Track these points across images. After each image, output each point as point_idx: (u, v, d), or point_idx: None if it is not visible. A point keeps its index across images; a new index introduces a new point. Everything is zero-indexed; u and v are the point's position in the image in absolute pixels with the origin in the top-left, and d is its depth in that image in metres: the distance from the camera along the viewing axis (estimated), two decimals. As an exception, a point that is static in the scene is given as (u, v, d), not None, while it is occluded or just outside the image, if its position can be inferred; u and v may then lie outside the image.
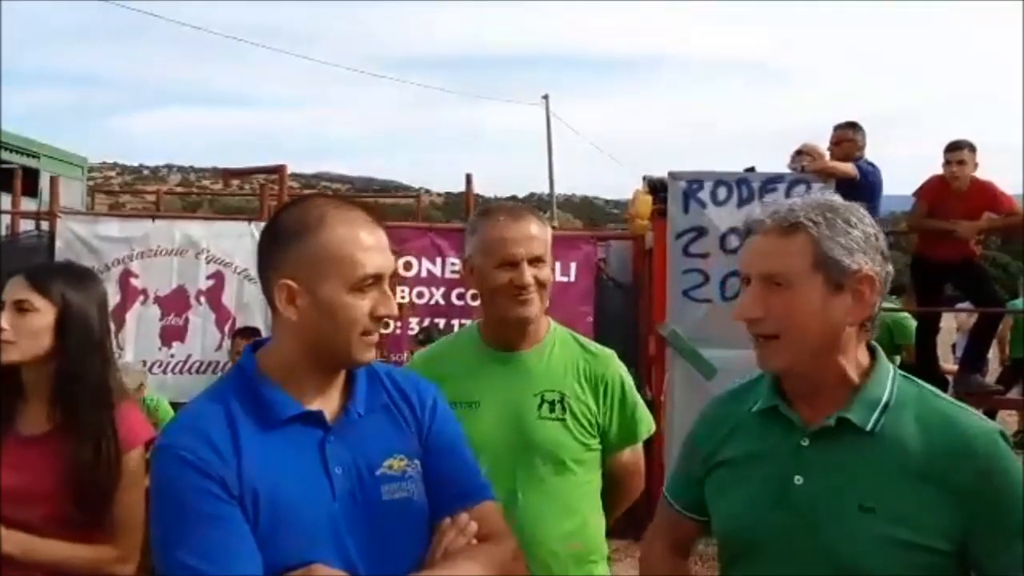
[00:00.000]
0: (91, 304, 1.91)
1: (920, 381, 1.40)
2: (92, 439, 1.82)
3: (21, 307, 1.84)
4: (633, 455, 2.13)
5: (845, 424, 1.32)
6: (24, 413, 1.87)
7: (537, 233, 1.96)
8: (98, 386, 1.87)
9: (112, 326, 6.64)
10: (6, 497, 1.77)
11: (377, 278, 1.33)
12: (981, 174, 5.71)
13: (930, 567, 1.27)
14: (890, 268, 1.35)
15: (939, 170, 5.72)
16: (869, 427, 1.32)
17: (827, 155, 5.85)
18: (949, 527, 1.27)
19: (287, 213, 1.37)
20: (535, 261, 1.94)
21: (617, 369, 2.06)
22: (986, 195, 5.63)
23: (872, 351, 1.40)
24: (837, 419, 1.33)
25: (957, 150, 5.59)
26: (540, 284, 1.94)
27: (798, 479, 1.34)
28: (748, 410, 1.44)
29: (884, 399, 1.33)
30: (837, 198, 1.38)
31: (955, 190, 5.62)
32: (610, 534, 2.11)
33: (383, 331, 1.41)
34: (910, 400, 1.34)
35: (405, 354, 5.69)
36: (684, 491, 1.56)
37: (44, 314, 1.84)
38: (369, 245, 1.33)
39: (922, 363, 5.88)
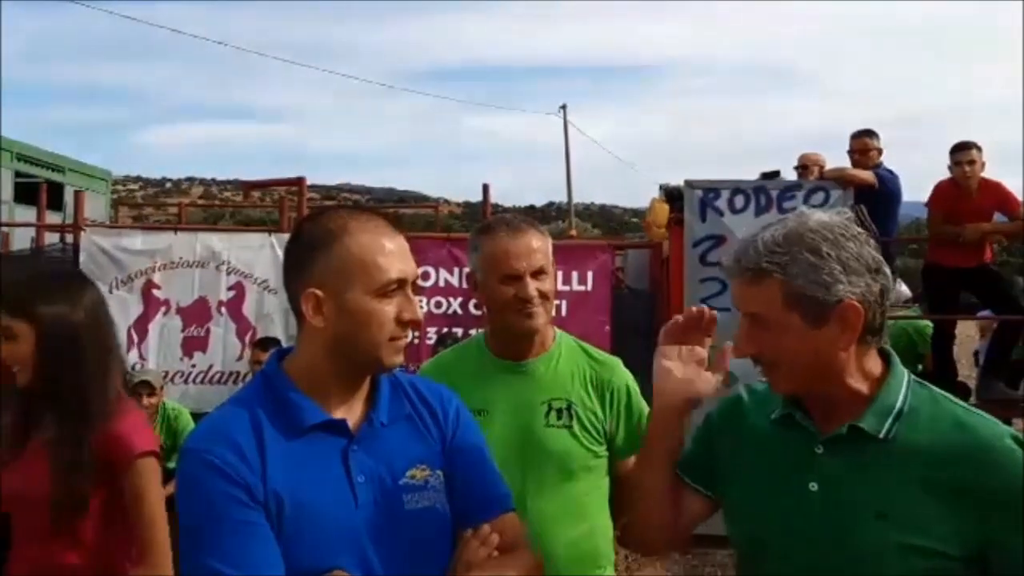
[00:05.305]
0: (77, 314, 1.83)
1: (933, 386, 1.39)
2: (64, 454, 1.77)
3: (5, 334, 1.79)
4: None
5: (858, 432, 1.32)
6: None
7: (538, 245, 1.96)
8: (82, 400, 1.80)
9: (136, 336, 6.65)
10: (12, 501, 1.79)
11: (401, 283, 1.35)
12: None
13: (943, 572, 1.27)
14: (884, 280, 1.31)
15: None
16: (882, 435, 1.31)
17: (828, 163, 5.83)
18: (963, 532, 1.26)
19: (309, 224, 1.39)
20: (537, 273, 1.94)
21: (623, 376, 2.06)
22: (997, 195, 5.58)
23: (886, 357, 1.39)
24: (848, 428, 1.33)
25: (966, 150, 5.54)
26: (544, 296, 1.95)
27: (813, 486, 1.34)
28: (768, 416, 1.44)
29: (897, 407, 1.33)
30: (815, 216, 1.32)
31: (965, 191, 5.56)
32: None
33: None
34: (923, 405, 1.34)
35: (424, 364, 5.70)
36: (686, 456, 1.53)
37: (26, 338, 1.80)
38: (391, 251, 1.34)
39: (940, 371, 5.82)
